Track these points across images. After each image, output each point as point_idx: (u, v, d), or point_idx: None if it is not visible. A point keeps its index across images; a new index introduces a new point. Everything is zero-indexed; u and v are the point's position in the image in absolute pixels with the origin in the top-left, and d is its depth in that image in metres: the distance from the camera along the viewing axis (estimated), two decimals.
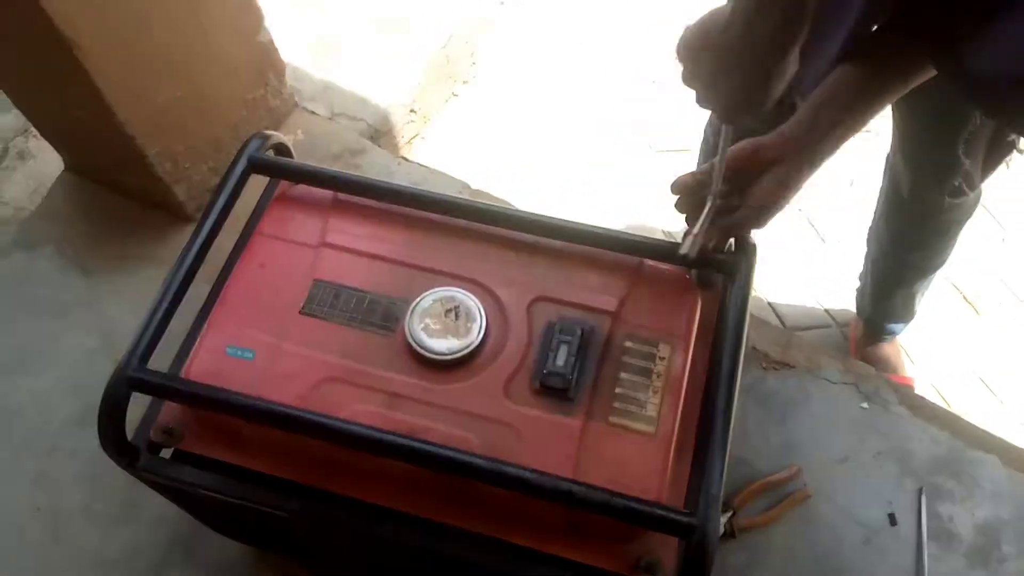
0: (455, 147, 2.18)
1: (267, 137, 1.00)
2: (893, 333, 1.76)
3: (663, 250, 0.91)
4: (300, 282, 0.92)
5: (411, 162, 1.77)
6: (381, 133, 2.00)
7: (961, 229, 1.41)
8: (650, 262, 0.93)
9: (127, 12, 1.21)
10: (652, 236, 0.92)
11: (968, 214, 1.37)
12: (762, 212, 0.84)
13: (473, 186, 1.71)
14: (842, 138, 0.84)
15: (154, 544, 1.26)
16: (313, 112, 1.84)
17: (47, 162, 2.03)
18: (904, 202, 1.36)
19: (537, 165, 2.14)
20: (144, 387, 0.82)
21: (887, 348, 1.76)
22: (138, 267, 1.55)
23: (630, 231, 0.94)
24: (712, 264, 0.90)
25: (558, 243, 0.93)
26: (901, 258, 1.52)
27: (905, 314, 1.70)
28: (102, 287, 1.53)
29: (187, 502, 1.03)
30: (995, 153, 1.17)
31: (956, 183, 1.22)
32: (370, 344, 0.88)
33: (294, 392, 0.84)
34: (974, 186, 1.23)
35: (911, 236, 1.45)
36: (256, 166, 0.97)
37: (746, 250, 0.89)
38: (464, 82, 2.31)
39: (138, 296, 1.51)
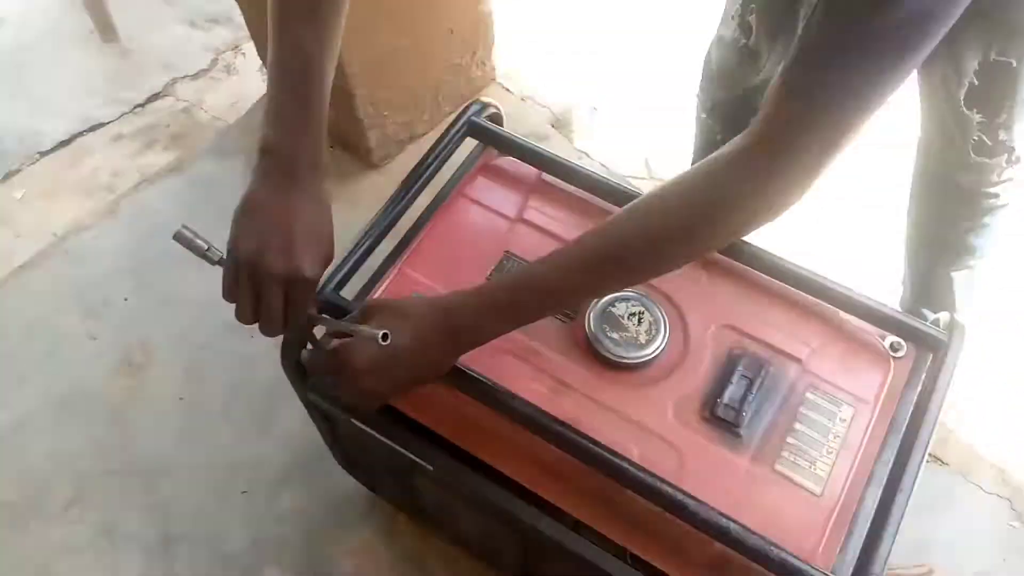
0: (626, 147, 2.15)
1: (486, 105, 1.01)
2: None
3: (863, 308, 0.87)
4: (492, 250, 0.93)
5: (591, 158, 1.77)
6: (562, 123, 2.00)
7: (993, 213, 1.25)
8: (846, 316, 0.89)
9: None
10: (858, 292, 0.88)
11: (996, 198, 1.21)
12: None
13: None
14: None
15: (278, 460, 1.31)
16: (507, 89, 1.86)
17: (251, 80, 2.15)
18: (931, 169, 1.26)
19: None
20: (334, 311, 0.85)
21: None
22: None
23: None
24: (915, 335, 0.86)
25: (755, 272, 0.90)
26: (931, 233, 1.37)
27: (944, 303, 1.52)
28: None
29: (331, 429, 1.06)
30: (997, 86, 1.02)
31: (975, 137, 1.10)
32: (549, 328, 0.88)
33: (468, 355, 0.85)
34: (995, 152, 1.10)
35: (937, 203, 1.30)
36: (474, 130, 0.99)
37: (957, 329, 0.84)
38: None
39: None
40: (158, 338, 1.43)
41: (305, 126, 0.73)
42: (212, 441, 1.33)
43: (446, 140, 0.97)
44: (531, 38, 2.04)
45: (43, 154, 1.98)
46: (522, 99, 1.89)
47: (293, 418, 1.33)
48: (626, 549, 0.80)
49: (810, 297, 0.89)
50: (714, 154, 0.65)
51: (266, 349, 1.42)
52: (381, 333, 0.70)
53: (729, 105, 1.36)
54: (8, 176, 1.93)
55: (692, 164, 0.71)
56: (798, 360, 0.85)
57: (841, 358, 0.86)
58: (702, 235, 0.68)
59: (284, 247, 0.72)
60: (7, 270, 1.55)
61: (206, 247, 0.74)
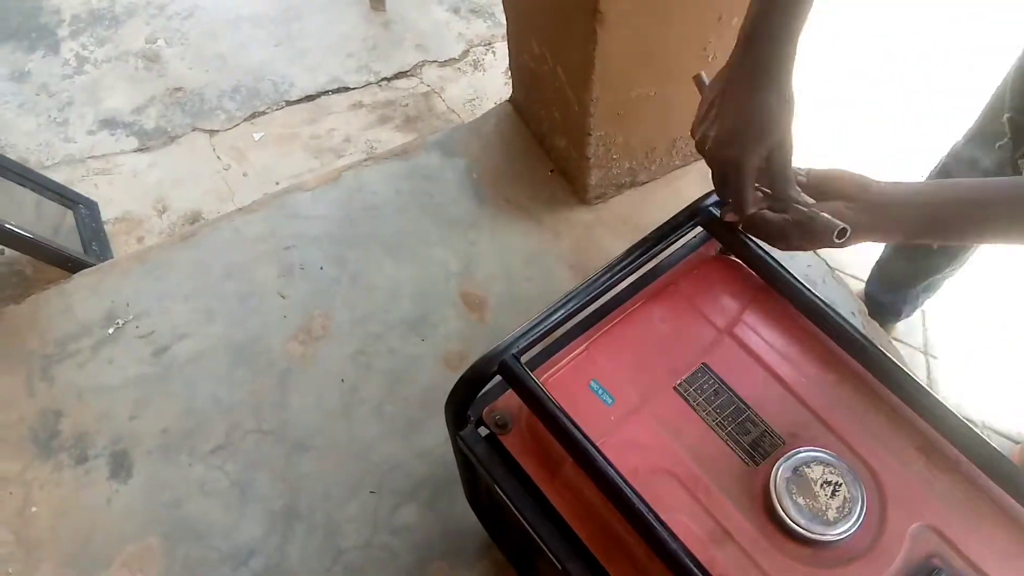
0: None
1: None
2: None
3: None
4: (688, 358, 0.86)
5: (847, 274, 1.64)
6: None
7: None
8: None
9: (656, 9, 1.20)
10: None
11: None
12: (806, 226, 0.79)
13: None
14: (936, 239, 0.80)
15: (412, 472, 1.31)
16: None
17: (493, 81, 2.18)
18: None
19: None
20: (510, 378, 0.81)
21: None
22: (520, 219, 1.59)
23: None
24: None
25: (983, 477, 0.77)
26: None
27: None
28: (484, 219, 1.60)
29: (470, 476, 1.03)
30: None
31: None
32: (727, 463, 0.79)
33: (631, 463, 0.79)
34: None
35: None
36: (706, 221, 0.92)
37: None
38: None
39: (505, 245, 1.56)
40: (339, 315, 1.47)
41: (790, 36, 0.78)
42: (358, 432, 1.35)
43: (672, 226, 0.90)
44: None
45: (289, 103, 2.11)
46: None
47: (439, 434, 1.32)
48: None
49: None
50: None
51: (433, 354, 1.44)
52: (839, 229, 0.75)
53: None
54: (254, 116, 2.07)
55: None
56: None
57: None
58: None
59: (734, 133, 0.81)
60: (228, 208, 1.65)
61: None
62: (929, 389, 0.80)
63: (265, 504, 1.28)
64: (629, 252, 0.89)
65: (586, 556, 0.80)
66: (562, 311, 0.84)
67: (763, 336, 0.87)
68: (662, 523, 0.72)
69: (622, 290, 0.94)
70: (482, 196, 1.64)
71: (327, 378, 1.40)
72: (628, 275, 0.89)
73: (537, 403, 0.81)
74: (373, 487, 1.29)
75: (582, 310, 0.86)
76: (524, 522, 0.84)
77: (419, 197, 1.63)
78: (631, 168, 1.55)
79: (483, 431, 0.91)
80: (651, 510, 0.72)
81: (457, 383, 0.84)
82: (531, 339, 0.83)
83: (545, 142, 1.64)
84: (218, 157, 1.98)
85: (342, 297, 1.49)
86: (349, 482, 1.30)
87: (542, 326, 0.83)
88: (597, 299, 0.87)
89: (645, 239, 0.90)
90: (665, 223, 0.91)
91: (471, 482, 1.07)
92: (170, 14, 2.31)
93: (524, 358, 0.84)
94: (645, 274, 0.96)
